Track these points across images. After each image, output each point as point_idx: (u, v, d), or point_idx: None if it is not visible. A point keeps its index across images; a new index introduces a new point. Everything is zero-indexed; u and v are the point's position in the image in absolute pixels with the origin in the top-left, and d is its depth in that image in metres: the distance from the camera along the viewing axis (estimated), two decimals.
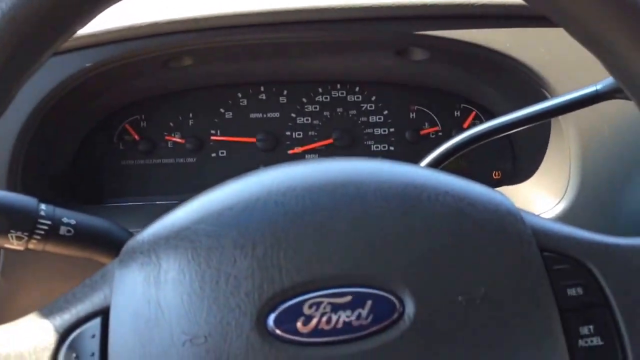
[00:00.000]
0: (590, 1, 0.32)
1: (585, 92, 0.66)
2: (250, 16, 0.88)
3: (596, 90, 0.65)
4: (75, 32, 0.33)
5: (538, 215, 0.39)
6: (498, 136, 0.72)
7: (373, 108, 1.07)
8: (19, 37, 0.30)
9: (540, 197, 0.92)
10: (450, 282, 0.34)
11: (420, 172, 0.38)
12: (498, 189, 0.99)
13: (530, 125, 0.71)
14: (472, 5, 0.87)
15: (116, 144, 1.07)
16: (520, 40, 0.87)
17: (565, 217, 0.84)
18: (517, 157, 1.04)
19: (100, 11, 0.33)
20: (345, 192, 0.36)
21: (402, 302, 0.33)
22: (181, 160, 1.08)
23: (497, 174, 1.06)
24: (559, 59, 0.86)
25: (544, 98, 0.86)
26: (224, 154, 1.08)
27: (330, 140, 1.07)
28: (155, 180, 1.07)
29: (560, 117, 0.87)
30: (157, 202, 1.03)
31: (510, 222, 0.36)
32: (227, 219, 0.35)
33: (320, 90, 1.08)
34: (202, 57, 0.97)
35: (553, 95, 0.86)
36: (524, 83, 0.91)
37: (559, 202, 0.87)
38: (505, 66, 0.89)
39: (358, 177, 0.37)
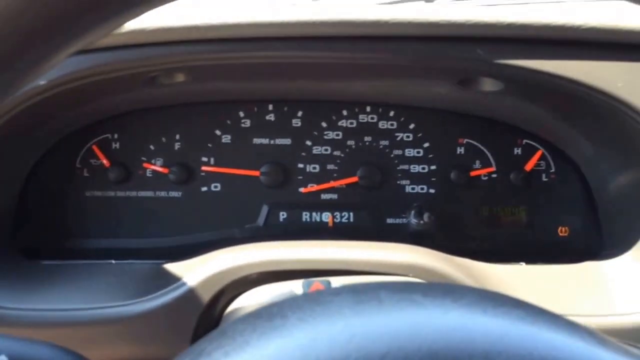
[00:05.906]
0: None
1: None
2: (263, 27, 0.64)
3: None
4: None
5: None
6: None
7: (411, 138, 0.84)
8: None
9: None
10: None
11: None
12: (588, 263, 0.77)
13: None
14: (577, 29, 0.64)
15: (79, 170, 0.83)
16: (637, 81, 0.64)
17: None
18: (600, 217, 0.82)
19: None
20: None
21: None
22: (162, 194, 0.84)
23: (563, 230, 0.84)
24: None
25: None
26: (218, 189, 0.84)
27: (354, 179, 0.84)
28: (127, 218, 0.83)
29: None
30: (115, 262, 0.79)
31: None
32: None
33: (344, 112, 0.84)
34: (199, 74, 0.72)
35: None
36: (628, 130, 0.69)
37: None
38: (607, 109, 0.67)
39: None
